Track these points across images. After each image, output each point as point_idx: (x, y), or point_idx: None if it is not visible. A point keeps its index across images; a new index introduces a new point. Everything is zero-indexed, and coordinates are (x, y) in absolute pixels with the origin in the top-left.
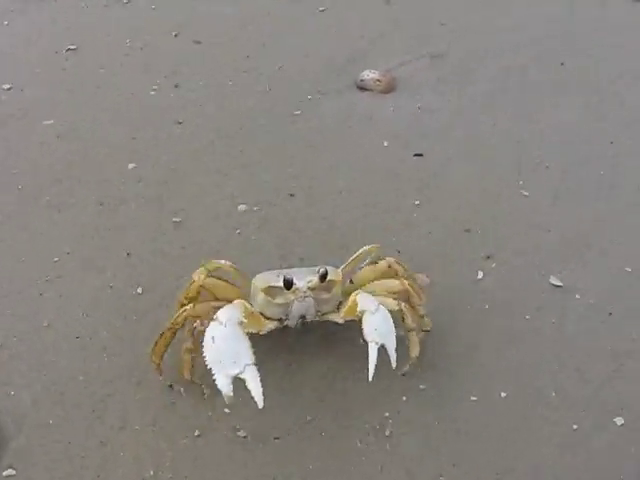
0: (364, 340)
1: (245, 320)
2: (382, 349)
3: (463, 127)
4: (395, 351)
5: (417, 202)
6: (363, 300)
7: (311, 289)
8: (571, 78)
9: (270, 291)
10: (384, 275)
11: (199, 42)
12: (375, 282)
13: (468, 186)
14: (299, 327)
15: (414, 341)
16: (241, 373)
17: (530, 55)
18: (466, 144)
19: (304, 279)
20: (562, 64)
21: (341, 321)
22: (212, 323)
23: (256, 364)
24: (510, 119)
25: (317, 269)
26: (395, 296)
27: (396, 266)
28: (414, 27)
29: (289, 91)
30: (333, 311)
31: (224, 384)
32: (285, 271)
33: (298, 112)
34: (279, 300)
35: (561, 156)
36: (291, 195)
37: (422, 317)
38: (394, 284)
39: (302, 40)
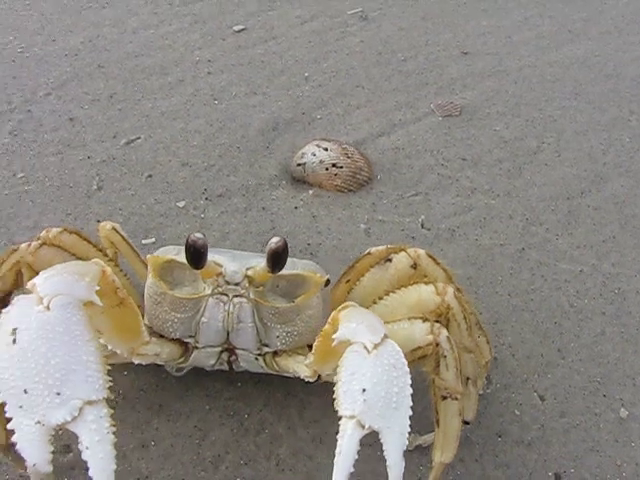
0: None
1: (98, 302)
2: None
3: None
4: (404, 449)
5: None
6: (350, 318)
7: (252, 282)
8: None
9: (167, 271)
10: (404, 280)
11: None
12: (392, 294)
13: None
14: (222, 366)
15: (451, 426)
16: (71, 420)
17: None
18: None
19: (241, 261)
20: None
21: (309, 377)
22: (20, 300)
23: (108, 400)
24: None
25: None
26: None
27: (426, 260)
28: (406, 60)
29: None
30: (297, 351)
31: (31, 442)
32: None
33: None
34: (181, 292)
35: None
36: None
37: (481, 364)
38: (426, 294)
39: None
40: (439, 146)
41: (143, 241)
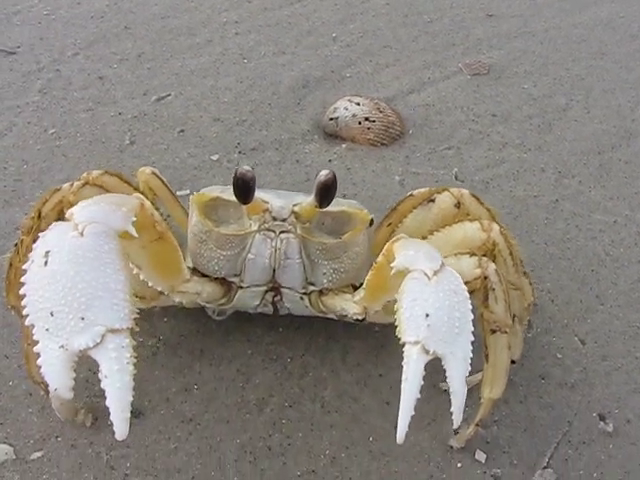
0: (399, 339)
1: (134, 232)
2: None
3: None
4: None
5: None
6: (406, 248)
7: (299, 218)
8: None
9: (211, 209)
10: (448, 220)
11: None
12: (436, 233)
13: None
14: (265, 308)
15: (500, 360)
16: (92, 346)
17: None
18: None
19: (287, 198)
20: None
21: (359, 314)
22: (56, 226)
23: (131, 329)
24: None
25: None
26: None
27: (469, 200)
28: (432, 21)
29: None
30: (343, 289)
31: (54, 367)
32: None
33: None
34: (227, 229)
35: None
36: None
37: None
38: (471, 231)
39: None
40: (469, 103)
41: (178, 192)
